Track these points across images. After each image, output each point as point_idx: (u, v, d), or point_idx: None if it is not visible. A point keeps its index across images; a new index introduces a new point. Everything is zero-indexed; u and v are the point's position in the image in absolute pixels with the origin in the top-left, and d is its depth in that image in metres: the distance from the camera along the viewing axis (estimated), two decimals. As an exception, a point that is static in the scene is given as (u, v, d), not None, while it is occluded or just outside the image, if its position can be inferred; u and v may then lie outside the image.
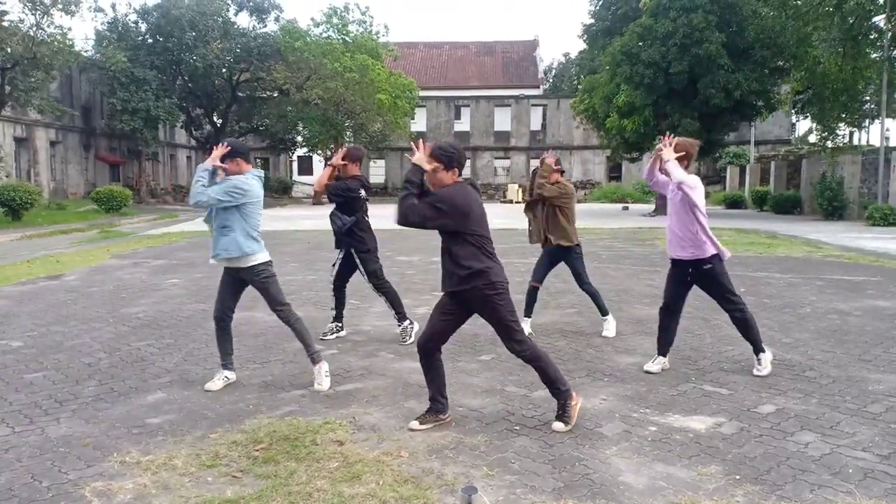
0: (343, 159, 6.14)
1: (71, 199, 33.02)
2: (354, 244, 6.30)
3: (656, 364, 5.39)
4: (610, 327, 6.65)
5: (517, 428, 4.19)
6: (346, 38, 38.71)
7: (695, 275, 5.19)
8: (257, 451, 3.84)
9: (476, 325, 6.68)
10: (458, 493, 3.17)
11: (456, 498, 3.22)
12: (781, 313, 7.59)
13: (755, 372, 5.24)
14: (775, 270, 11.15)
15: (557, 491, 3.36)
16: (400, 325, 6.48)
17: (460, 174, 4.11)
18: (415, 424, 4.19)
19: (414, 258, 12.82)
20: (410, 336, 6.35)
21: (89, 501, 3.30)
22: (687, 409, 4.51)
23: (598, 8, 32.00)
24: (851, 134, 33.02)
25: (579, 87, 33.02)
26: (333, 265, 6.58)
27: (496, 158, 50.43)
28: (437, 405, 4.28)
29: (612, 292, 8.61)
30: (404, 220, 3.97)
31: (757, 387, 4.96)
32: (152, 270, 11.53)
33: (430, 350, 4.25)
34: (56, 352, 6.10)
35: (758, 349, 5.29)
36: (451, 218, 3.97)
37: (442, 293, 4.25)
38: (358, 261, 6.35)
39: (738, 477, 3.50)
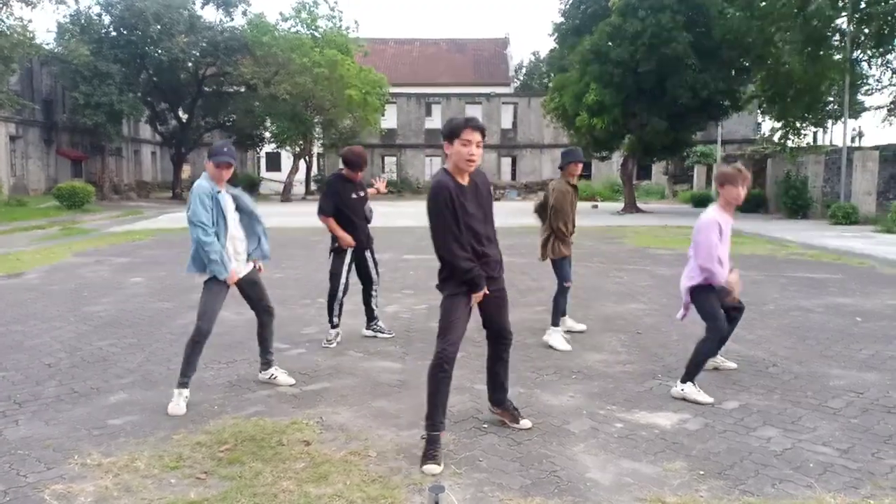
0: (359, 167, 6.23)
1: (32, 196, 32.24)
2: (370, 242, 6.40)
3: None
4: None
5: (485, 426, 4.20)
6: (315, 33, 38.36)
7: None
8: (222, 451, 3.78)
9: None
10: (425, 492, 3.16)
11: (423, 497, 3.21)
12: (745, 310, 7.69)
13: (732, 366, 5.39)
14: (740, 268, 11.25)
15: (525, 488, 3.37)
16: (373, 323, 6.53)
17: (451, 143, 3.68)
18: (435, 469, 3.55)
19: (385, 255, 12.74)
20: (389, 332, 6.55)
21: (48, 505, 3.22)
22: (653, 406, 4.56)
23: (568, 7, 32.09)
24: (815, 134, 33.63)
25: (549, 85, 33.07)
26: (338, 273, 6.17)
27: (467, 156, 50.45)
28: (442, 426, 3.75)
29: (581, 290, 8.67)
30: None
31: (721, 383, 5.04)
32: (115, 268, 11.31)
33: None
34: (15, 352, 5.95)
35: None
36: None
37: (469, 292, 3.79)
38: (372, 255, 6.41)
39: (702, 472, 3.55)
